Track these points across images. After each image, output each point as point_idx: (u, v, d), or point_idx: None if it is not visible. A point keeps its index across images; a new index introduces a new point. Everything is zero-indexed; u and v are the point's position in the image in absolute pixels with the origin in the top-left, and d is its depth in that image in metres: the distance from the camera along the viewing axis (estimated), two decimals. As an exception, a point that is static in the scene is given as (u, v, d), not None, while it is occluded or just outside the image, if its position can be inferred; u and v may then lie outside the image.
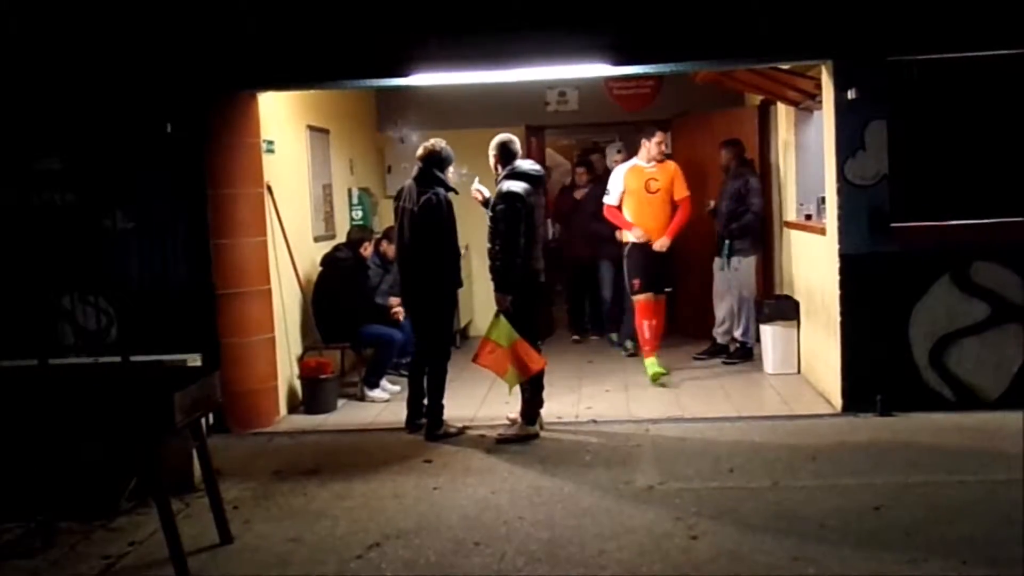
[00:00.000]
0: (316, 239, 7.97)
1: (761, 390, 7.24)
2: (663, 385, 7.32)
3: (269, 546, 4.42)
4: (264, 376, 6.71)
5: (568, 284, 9.78)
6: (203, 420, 4.56)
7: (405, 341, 7.35)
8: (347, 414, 7.03)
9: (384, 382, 7.50)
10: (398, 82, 6.61)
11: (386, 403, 7.27)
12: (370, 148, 9.85)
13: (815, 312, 7.07)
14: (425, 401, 6.23)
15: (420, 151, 6.22)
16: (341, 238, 8.12)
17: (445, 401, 6.21)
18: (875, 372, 6.19)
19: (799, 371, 7.58)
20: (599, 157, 10.15)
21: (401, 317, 7.38)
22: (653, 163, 7.63)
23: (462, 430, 6.23)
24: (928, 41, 6.01)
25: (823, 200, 6.83)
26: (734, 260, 8.02)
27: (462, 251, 6.53)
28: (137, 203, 6.42)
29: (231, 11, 6.23)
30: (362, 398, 7.41)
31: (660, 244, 7.53)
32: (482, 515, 4.68)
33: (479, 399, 7.14)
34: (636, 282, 7.55)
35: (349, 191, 8.91)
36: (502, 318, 5.92)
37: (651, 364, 7.49)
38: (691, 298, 8.77)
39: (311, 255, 7.73)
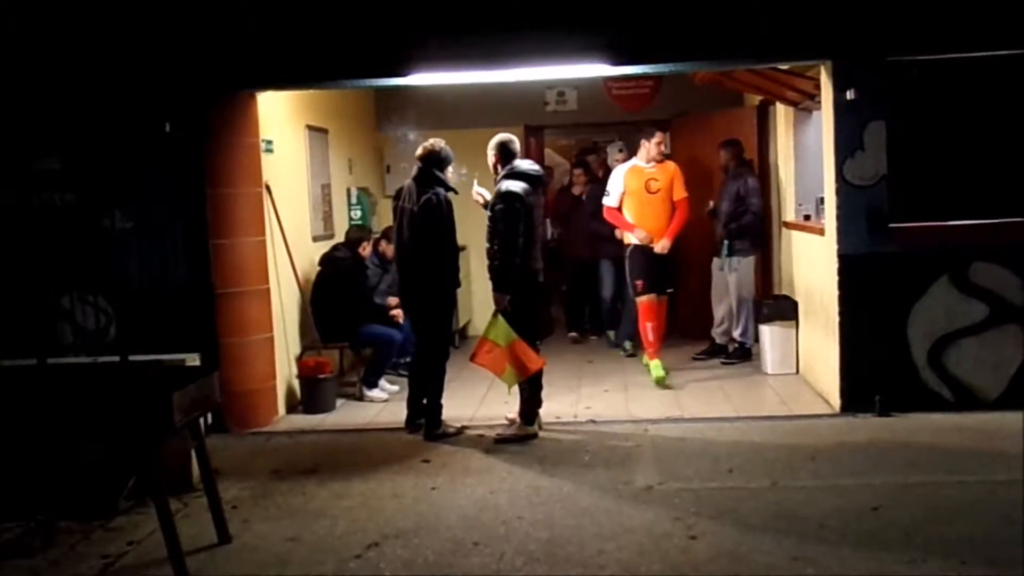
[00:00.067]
0: (315, 239, 7.97)
1: (760, 390, 7.24)
2: (667, 387, 7.31)
3: (268, 546, 4.42)
4: (263, 376, 6.70)
5: (567, 284, 9.76)
6: (202, 420, 4.55)
7: (404, 341, 7.35)
8: (346, 414, 7.03)
9: (383, 382, 7.50)
10: (397, 82, 6.61)
11: (385, 403, 7.27)
12: (369, 148, 9.85)
13: (814, 312, 7.07)
14: (425, 401, 6.22)
15: (419, 151, 6.21)
16: (340, 238, 8.11)
17: (444, 401, 6.21)
18: (874, 372, 6.20)
19: (798, 371, 7.59)
20: (595, 157, 10.13)
21: (400, 319, 7.38)
22: (653, 163, 7.62)
23: (461, 430, 6.23)
24: (927, 41, 6.01)
25: (822, 200, 6.83)
26: (733, 260, 8.02)
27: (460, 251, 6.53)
28: (136, 203, 6.41)
29: (230, 11, 6.23)
30: (361, 398, 7.41)
31: (661, 246, 7.52)
32: (481, 515, 4.68)
33: (478, 399, 7.14)
34: (639, 283, 7.53)
35: (348, 191, 8.91)
36: (500, 318, 5.92)
37: (656, 367, 7.46)
38: (690, 298, 8.77)
39: (310, 255, 7.72)
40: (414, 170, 6.22)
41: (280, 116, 7.31)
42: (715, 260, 8.26)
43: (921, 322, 6.17)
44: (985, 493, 4.66)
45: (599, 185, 8.75)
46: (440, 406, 6.18)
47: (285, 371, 7.10)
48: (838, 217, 6.22)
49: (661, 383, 7.35)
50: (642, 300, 7.55)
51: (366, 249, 7.73)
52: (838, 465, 5.23)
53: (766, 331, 7.72)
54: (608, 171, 8.14)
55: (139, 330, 6.27)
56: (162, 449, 4.23)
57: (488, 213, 6.04)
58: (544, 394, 6.22)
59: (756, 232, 8.18)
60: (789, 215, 8.16)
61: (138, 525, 4.69)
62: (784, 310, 7.68)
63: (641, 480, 5.11)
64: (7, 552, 4.44)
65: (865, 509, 4.52)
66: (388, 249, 7.75)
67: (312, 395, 7.06)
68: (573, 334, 9.54)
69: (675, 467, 5.31)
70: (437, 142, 6.22)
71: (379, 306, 7.63)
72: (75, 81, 6.28)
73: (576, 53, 6.16)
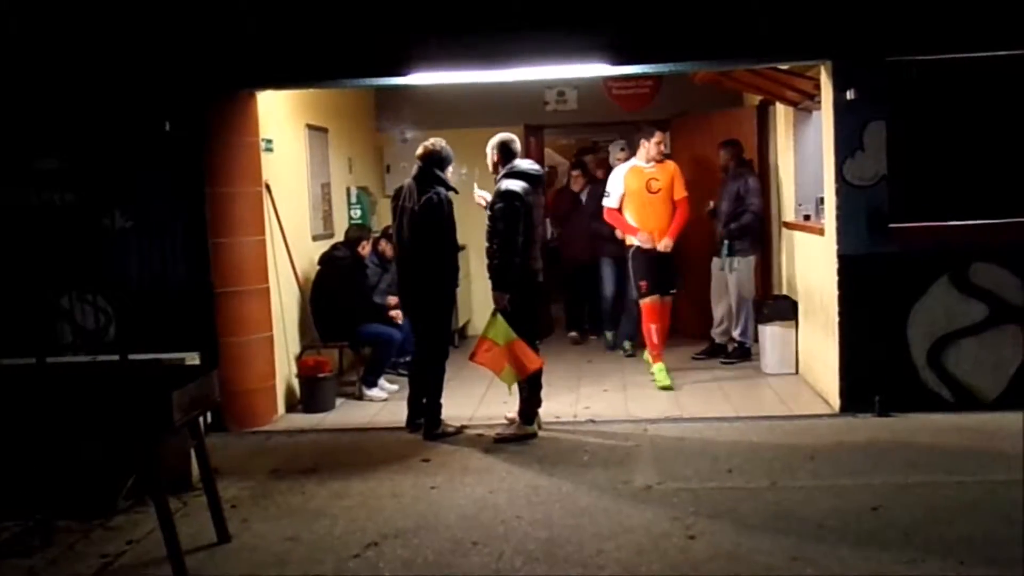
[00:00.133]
0: (315, 238, 7.97)
1: (759, 390, 7.24)
2: (669, 389, 7.30)
3: (267, 545, 4.42)
4: (262, 375, 6.70)
5: (567, 284, 9.74)
6: (201, 419, 4.55)
7: (403, 340, 7.35)
8: (345, 413, 7.03)
9: (382, 381, 7.50)
10: (397, 81, 6.61)
11: (384, 402, 7.27)
12: (369, 147, 9.85)
13: (813, 312, 7.08)
14: (424, 400, 6.22)
15: (420, 150, 6.21)
16: (339, 237, 8.12)
17: (443, 400, 6.21)
18: (873, 372, 6.20)
19: (797, 371, 7.58)
20: (593, 157, 10.08)
21: (400, 320, 7.38)
22: (652, 163, 7.60)
23: (460, 429, 6.23)
24: (927, 42, 6.01)
25: (822, 200, 6.83)
26: (733, 260, 8.01)
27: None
28: (136, 202, 6.41)
29: (230, 10, 6.23)
30: (360, 397, 7.41)
31: (664, 244, 7.48)
32: (480, 514, 4.68)
33: (477, 398, 7.14)
34: (643, 284, 7.46)
35: (348, 190, 8.91)
36: (499, 317, 5.92)
37: (659, 370, 7.44)
38: (690, 298, 8.76)
39: (309, 254, 7.72)
40: (414, 169, 6.21)
41: (280, 115, 7.31)
42: (715, 260, 8.25)
43: (921, 322, 6.17)
44: (984, 493, 4.66)
45: (599, 185, 8.74)
46: (439, 405, 6.18)
47: (285, 370, 7.10)
48: (838, 217, 6.22)
49: (663, 386, 7.32)
50: (645, 302, 7.49)
51: (365, 248, 7.73)
52: (837, 465, 5.23)
53: (766, 331, 7.72)
54: (609, 171, 8.10)
55: (138, 329, 6.27)
56: (161, 448, 4.23)
57: (488, 213, 6.04)
58: (543, 394, 6.21)
59: (756, 232, 8.18)
60: (789, 215, 8.16)
61: (137, 524, 4.69)
62: (784, 310, 7.68)
63: (640, 480, 5.11)
64: (6, 551, 4.44)
65: (864, 509, 4.52)
66: (387, 248, 7.76)
67: (311, 394, 7.06)
68: (573, 334, 9.53)
69: (674, 467, 5.31)
70: (437, 142, 6.22)
71: (378, 305, 7.63)
72: (75, 81, 6.28)
73: (576, 53, 6.16)
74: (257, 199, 6.69)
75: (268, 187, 6.86)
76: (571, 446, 5.85)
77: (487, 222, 6.00)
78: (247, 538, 4.51)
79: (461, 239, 6.43)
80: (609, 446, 5.82)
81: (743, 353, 8.16)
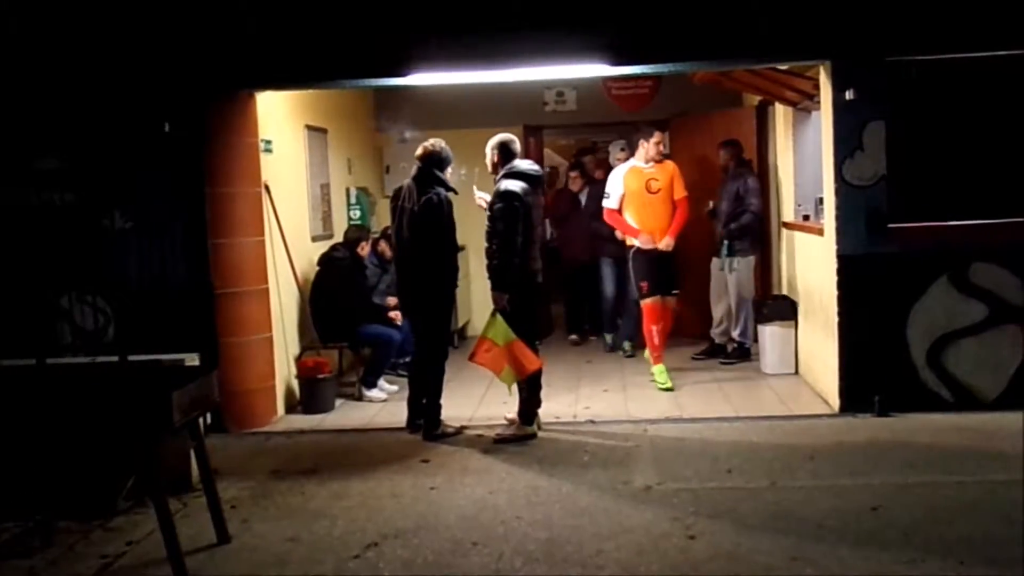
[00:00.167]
0: (314, 239, 7.97)
1: (759, 390, 7.24)
2: (669, 390, 7.29)
3: (267, 546, 4.42)
4: (262, 376, 6.70)
5: (567, 285, 9.72)
6: (201, 419, 4.55)
7: (403, 341, 7.35)
8: (345, 414, 7.03)
9: (382, 382, 7.50)
10: (396, 82, 6.60)
11: (384, 403, 7.27)
12: (368, 148, 9.85)
13: (813, 312, 7.08)
14: (424, 401, 6.22)
15: (419, 151, 6.21)
16: (339, 238, 8.12)
17: (443, 401, 6.21)
18: (873, 372, 6.20)
19: (797, 371, 7.59)
20: (592, 158, 10.07)
21: (399, 321, 7.38)
22: (652, 163, 7.58)
23: (460, 430, 6.23)
24: (927, 42, 6.01)
25: (821, 201, 6.83)
26: (733, 260, 8.01)
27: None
28: (135, 202, 6.41)
29: (230, 11, 6.23)
30: (360, 398, 7.40)
31: (665, 243, 7.46)
32: (480, 515, 4.68)
33: (477, 399, 7.14)
34: (644, 284, 7.42)
35: (347, 191, 8.91)
36: (499, 317, 5.92)
37: (660, 371, 7.42)
38: (690, 298, 8.75)
39: (309, 255, 7.72)
40: (414, 170, 6.21)
41: (279, 116, 7.31)
42: (714, 260, 8.26)
43: (920, 322, 6.17)
44: (984, 493, 4.66)
45: (598, 185, 8.74)
46: (439, 406, 6.18)
47: (284, 371, 7.10)
48: (837, 217, 6.22)
49: (663, 386, 7.32)
50: (647, 303, 7.46)
51: (364, 249, 7.73)
52: (837, 465, 5.23)
53: (765, 331, 7.72)
54: (609, 171, 8.06)
55: (138, 330, 6.27)
56: (161, 449, 4.23)
57: (487, 213, 6.04)
58: (543, 394, 6.21)
59: (755, 232, 8.18)
60: (788, 215, 8.16)
61: (137, 525, 4.69)
62: (783, 310, 7.68)
63: (640, 480, 5.11)
64: (6, 552, 4.44)
65: (864, 509, 4.53)
66: (387, 249, 7.75)
67: (311, 395, 7.05)
68: (573, 337, 9.50)
69: (674, 467, 5.31)
70: (437, 142, 6.22)
71: (378, 306, 7.63)
72: (74, 81, 6.28)
73: (576, 53, 6.16)
74: (256, 200, 6.69)
75: (267, 188, 6.86)
76: (571, 446, 5.85)
77: (487, 222, 6.00)
78: (247, 539, 4.51)
79: (461, 239, 6.43)
80: (609, 446, 5.82)
81: (743, 353, 8.16)
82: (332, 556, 4.25)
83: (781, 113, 8.25)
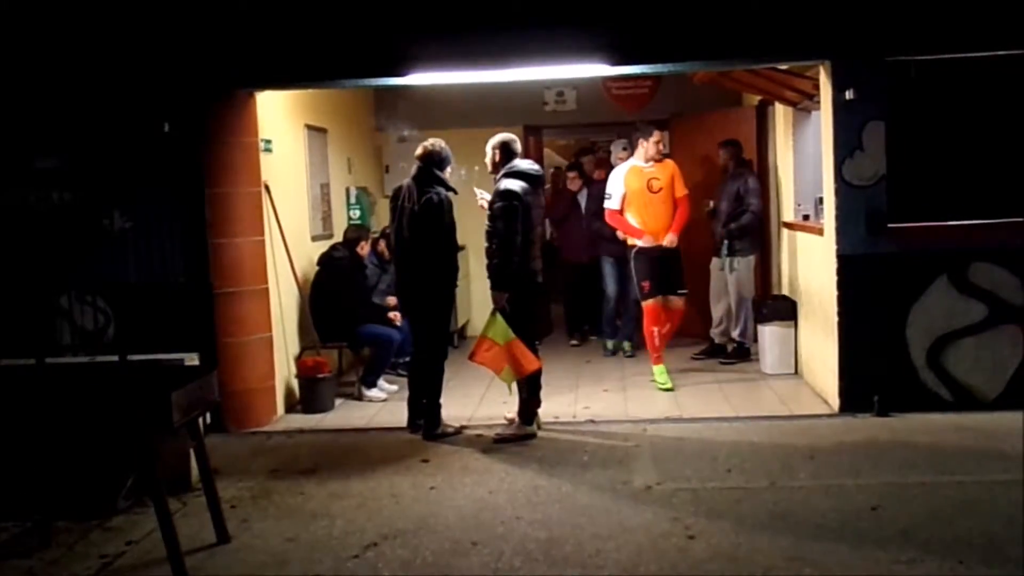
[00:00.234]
0: (314, 238, 7.96)
1: (759, 390, 7.24)
2: (669, 390, 7.29)
3: (266, 545, 4.42)
4: (261, 375, 6.70)
5: (566, 286, 9.68)
6: (200, 419, 4.55)
7: (403, 340, 7.35)
8: (344, 414, 7.03)
9: (381, 382, 7.50)
10: (396, 81, 6.60)
11: (383, 403, 7.27)
12: (368, 147, 9.85)
13: (813, 312, 7.08)
14: (424, 401, 6.22)
15: (419, 151, 6.21)
16: (339, 238, 8.11)
17: (443, 400, 6.21)
18: (872, 372, 6.20)
19: (796, 371, 7.59)
20: (591, 158, 10.05)
21: (399, 322, 7.38)
22: (652, 163, 7.57)
23: (459, 430, 6.23)
24: (926, 41, 6.01)
25: (821, 200, 6.83)
26: (733, 260, 8.01)
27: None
28: (135, 202, 6.41)
29: (229, 10, 6.22)
30: (359, 397, 7.40)
31: (669, 240, 7.42)
32: (479, 515, 4.68)
33: (477, 399, 7.14)
34: (646, 284, 7.39)
35: (347, 190, 8.91)
36: (499, 316, 5.92)
37: (660, 372, 7.41)
38: (690, 298, 8.73)
39: (309, 254, 7.72)
40: (413, 169, 6.21)
41: (279, 116, 7.31)
42: (714, 260, 8.25)
43: (920, 322, 6.17)
44: (984, 493, 4.66)
45: (596, 185, 8.73)
46: (439, 406, 6.18)
47: (284, 371, 7.10)
48: (837, 217, 6.22)
49: (663, 387, 7.32)
50: (648, 304, 7.43)
51: (364, 249, 7.73)
52: (837, 465, 5.23)
53: (765, 331, 7.72)
54: (610, 171, 8.00)
55: (138, 330, 6.27)
56: (161, 448, 4.24)
57: (488, 212, 6.04)
58: (543, 394, 6.21)
59: (755, 232, 8.18)
60: (788, 215, 8.16)
61: (137, 525, 4.69)
62: (783, 310, 7.68)
63: (640, 480, 5.11)
64: (5, 552, 4.44)
65: (863, 509, 4.53)
66: (386, 249, 7.75)
67: (311, 395, 7.05)
68: (574, 342, 9.43)
69: (673, 467, 5.31)
70: (437, 142, 6.22)
71: (378, 306, 7.63)
72: (74, 81, 6.29)
73: (576, 53, 6.17)
74: (256, 200, 6.68)
75: (267, 187, 6.86)
76: (570, 446, 5.85)
77: (486, 222, 6.00)
78: (246, 538, 4.51)
79: (461, 239, 6.44)
80: (608, 446, 5.82)
81: (742, 353, 8.16)
82: (331, 556, 4.25)
83: (781, 113, 8.25)
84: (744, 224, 7.99)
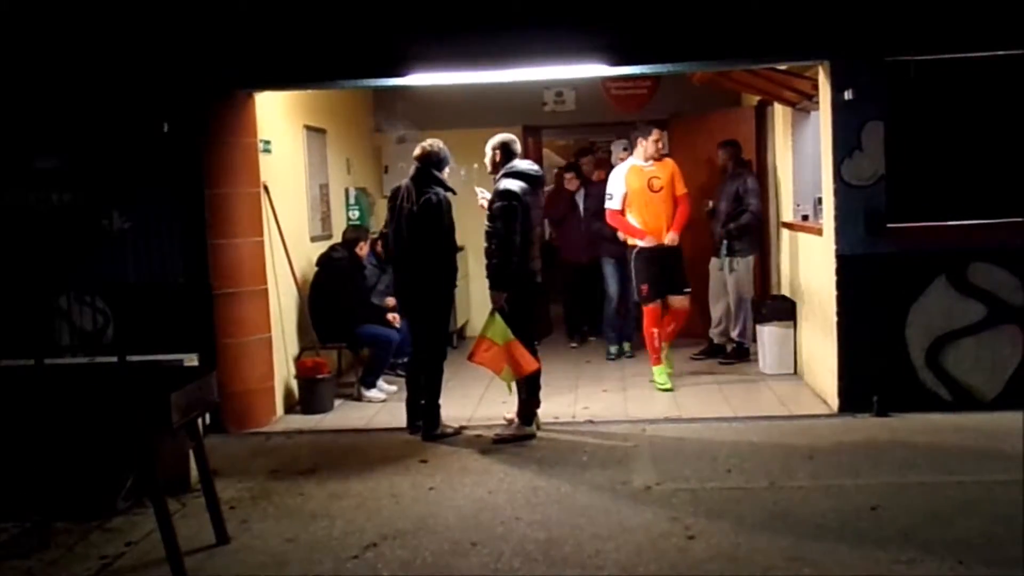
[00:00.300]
0: (313, 239, 7.96)
1: (758, 391, 7.24)
2: (669, 390, 7.29)
3: (266, 546, 4.41)
4: (261, 376, 6.70)
5: (566, 287, 9.66)
6: (200, 420, 4.55)
7: (402, 341, 7.34)
8: (344, 414, 7.02)
9: (381, 382, 7.50)
10: (395, 82, 6.61)
11: (383, 403, 7.26)
12: (367, 148, 9.85)
13: (812, 313, 7.08)
14: (423, 401, 6.22)
15: (417, 151, 6.21)
16: (338, 238, 8.11)
17: (442, 401, 6.21)
18: (872, 373, 6.20)
19: (796, 372, 7.59)
20: (590, 159, 10.03)
21: (398, 323, 7.38)
22: (651, 162, 7.55)
23: (459, 430, 6.23)
24: (925, 41, 6.02)
25: (820, 201, 6.83)
26: (732, 260, 8.01)
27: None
28: (134, 203, 6.41)
29: (229, 11, 6.22)
30: (359, 398, 7.40)
31: (670, 238, 7.39)
32: (479, 515, 4.68)
33: (476, 399, 7.14)
34: (644, 287, 7.37)
35: (346, 191, 8.90)
36: (498, 316, 5.92)
37: (659, 373, 7.40)
38: (689, 299, 8.74)
39: (308, 255, 7.72)
40: (412, 170, 6.21)
41: (278, 116, 7.31)
42: (713, 260, 8.25)
43: (919, 322, 6.17)
44: (983, 493, 4.66)
45: (597, 185, 8.71)
46: (438, 406, 6.18)
47: (283, 371, 7.10)
48: (836, 217, 6.22)
49: (666, 391, 7.31)
50: (647, 306, 7.41)
51: (363, 249, 7.73)
52: (836, 465, 5.23)
53: (764, 331, 7.72)
54: (610, 171, 7.97)
55: (137, 330, 6.27)
56: (160, 449, 4.24)
57: (487, 212, 6.03)
58: (542, 394, 6.21)
59: (755, 232, 8.18)
60: (787, 215, 8.16)
61: (136, 525, 4.69)
62: (782, 310, 7.68)
63: (639, 480, 5.11)
64: (4, 553, 4.44)
65: (863, 509, 4.53)
66: (382, 250, 7.74)
67: (310, 395, 7.05)
68: (573, 345, 9.40)
69: (673, 467, 5.30)
70: (435, 142, 6.22)
71: (377, 306, 7.63)
72: (74, 81, 6.28)
73: (576, 53, 6.17)
74: (255, 200, 6.68)
75: (266, 188, 6.86)
76: (570, 447, 5.85)
77: (486, 222, 6.00)
78: (246, 539, 4.51)
79: (460, 239, 6.44)
80: (608, 446, 5.82)
81: (741, 353, 8.17)
82: (331, 557, 4.25)
83: (780, 113, 8.25)
84: (743, 224, 7.99)
